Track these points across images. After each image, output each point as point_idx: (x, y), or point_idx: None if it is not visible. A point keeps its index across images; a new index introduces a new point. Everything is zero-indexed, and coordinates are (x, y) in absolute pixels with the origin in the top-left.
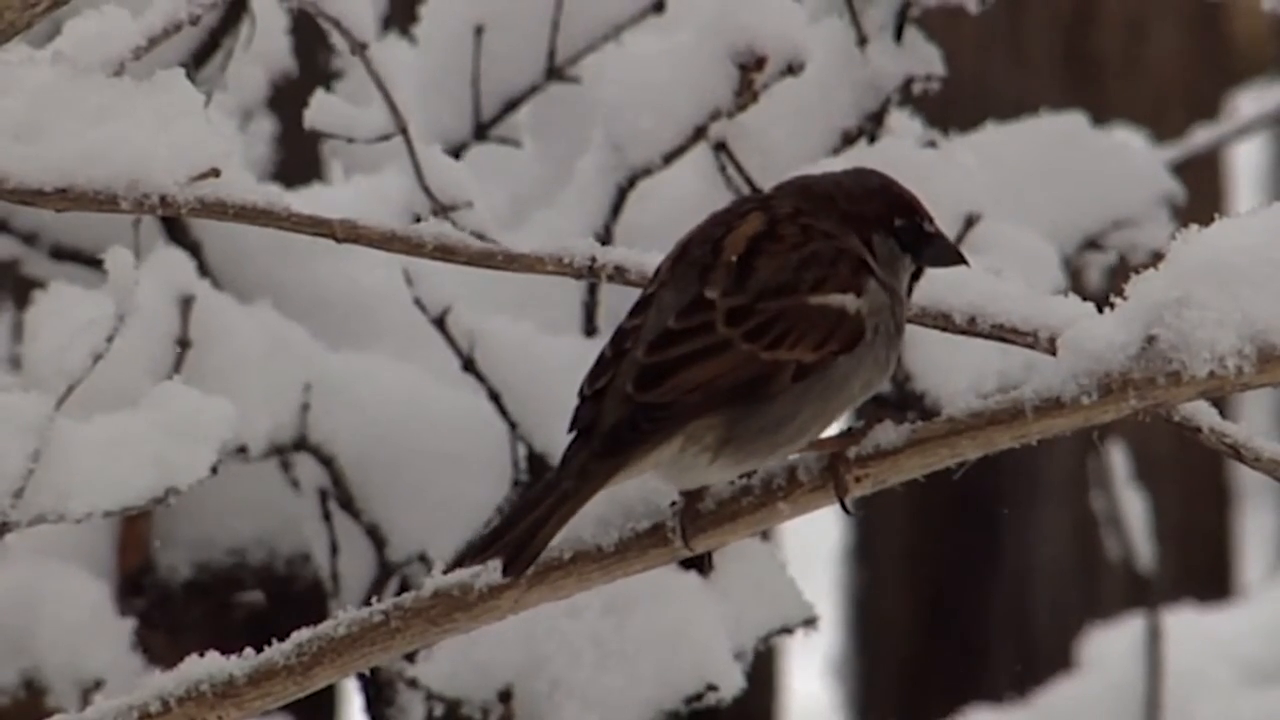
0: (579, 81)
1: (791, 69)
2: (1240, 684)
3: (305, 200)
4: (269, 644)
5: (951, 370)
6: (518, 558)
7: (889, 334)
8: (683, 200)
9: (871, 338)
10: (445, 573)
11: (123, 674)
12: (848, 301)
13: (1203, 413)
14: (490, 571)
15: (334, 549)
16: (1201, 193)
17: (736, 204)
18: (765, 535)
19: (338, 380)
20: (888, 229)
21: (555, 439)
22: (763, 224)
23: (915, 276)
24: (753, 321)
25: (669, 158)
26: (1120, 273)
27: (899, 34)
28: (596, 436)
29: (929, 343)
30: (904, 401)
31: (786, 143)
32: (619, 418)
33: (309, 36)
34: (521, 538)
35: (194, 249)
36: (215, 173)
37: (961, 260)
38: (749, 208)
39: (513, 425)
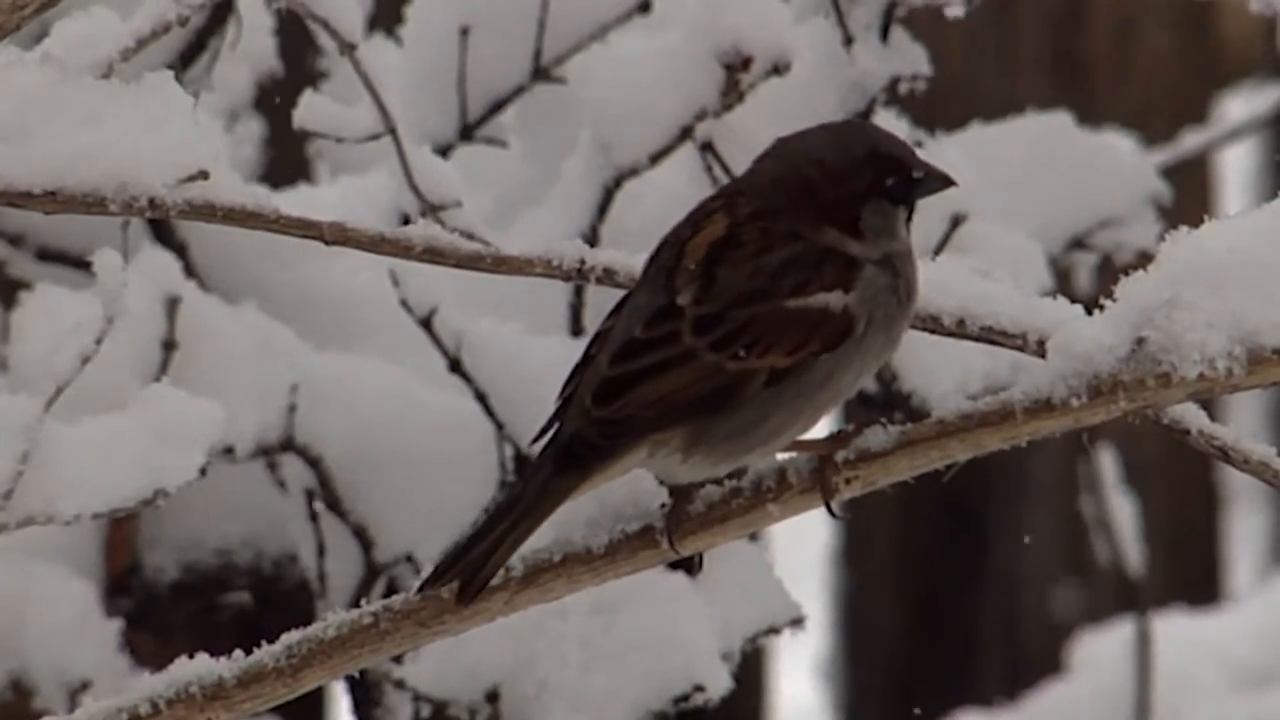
0: (565, 82)
1: (778, 69)
2: (1230, 688)
3: (291, 201)
4: (256, 645)
5: (938, 371)
6: (470, 583)
7: (888, 316)
8: (669, 201)
9: (863, 331)
10: (417, 593)
11: (110, 675)
12: (832, 300)
13: (1192, 415)
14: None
15: (321, 550)
16: (1190, 196)
17: (709, 200)
18: (754, 536)
19: (324, 381)
20: (880, 194)
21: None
22: (723, 229)
23: (909, 219)
24: (720, 330)
25: (655, 158)
26: (1107, 273)
27: (885, 34)
28: (555, 451)
29: (915, 344)
30: (891, 402)
31: None
32: (576, 432)
33: (296, 37)
34: (477, 561)
35: (180, 250)
36: (204, 175)
37: (949, 181)
38: (716, 206)
39: (499, 426)
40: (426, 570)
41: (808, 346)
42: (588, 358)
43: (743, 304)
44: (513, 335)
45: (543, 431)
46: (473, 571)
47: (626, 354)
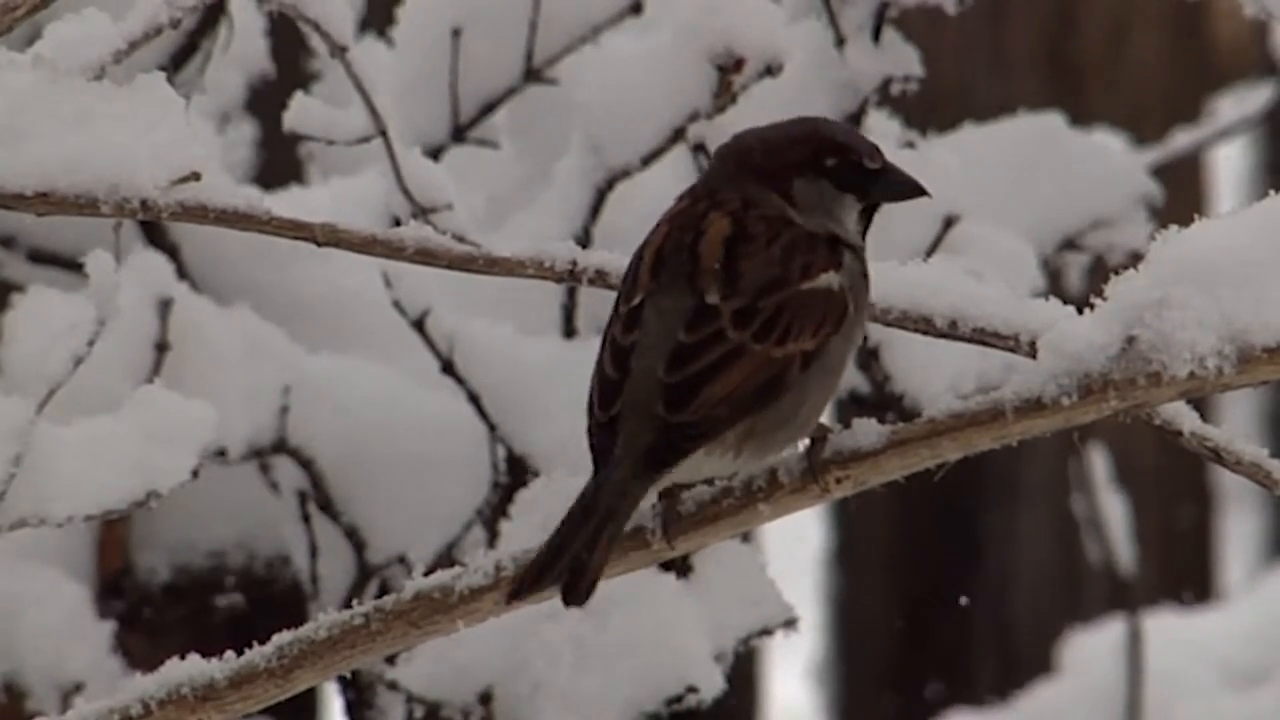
0: (557, 83)
1: (770, 70)
2: (1221, 687)
3: (283, 203)
4: (249, 646)
5: (930, 371)
6: (577, 585)
7: (865, 298)
8: (661, 202)
9: (854, 312)
10: (507, 603)
11: (103, 677)
12: (833, 280)
13: (1184, 415)
14: (471, 574)
15: (313, 551)
16: (1183, 197)
17: (691, 203)
18: (746, 537)
19: (317, 382)
20: (816, 171)
21: (534, 441)
22: (729, 224)
23: (868, 214)
24: (757, 321)
25: (648, 159)
26: (1098, 273)
27: (877, 35)
28: (630, 459)
29: (908, 344)
30: (883, 402)
31: None
32: (654, 440)
33: (287, 39)
34: (578, 563)
35: (173, 252)
36: (196, 176)
37: (920, 191)
38: (703, 208)
39: (492, 427)
40: (419, 565)
41: (824, 328)
42: (624, 371)
43: (767, 293)
44: (505, 337)
45: (595, 453)
46: (577, 573)
47: (681, 359)
